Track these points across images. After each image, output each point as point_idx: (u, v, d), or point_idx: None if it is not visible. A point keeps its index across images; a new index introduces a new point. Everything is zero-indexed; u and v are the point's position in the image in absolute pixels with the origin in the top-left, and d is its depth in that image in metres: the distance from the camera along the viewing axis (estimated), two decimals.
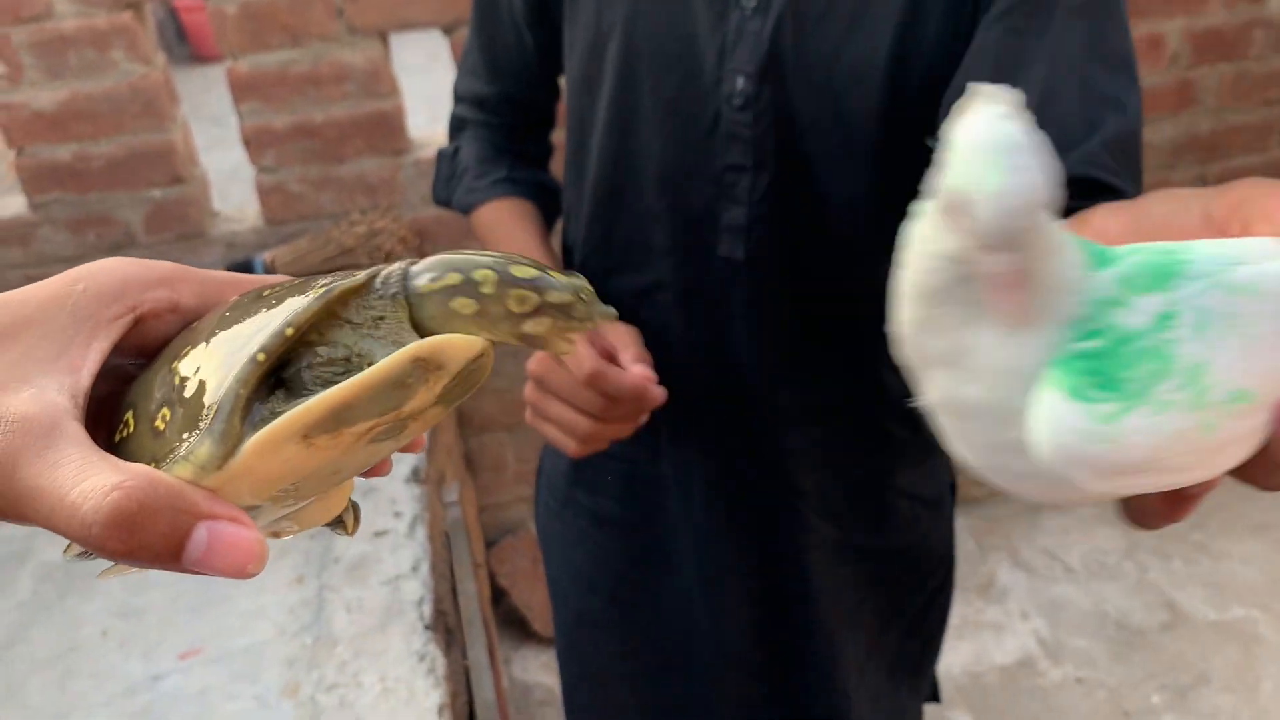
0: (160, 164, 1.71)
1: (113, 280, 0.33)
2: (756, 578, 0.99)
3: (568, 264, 0.96)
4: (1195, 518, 2.27)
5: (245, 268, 1.70)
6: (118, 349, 0.33)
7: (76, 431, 0.29)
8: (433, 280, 0.33)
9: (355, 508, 0.44)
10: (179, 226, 1.76)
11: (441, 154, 1.06)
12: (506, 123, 1.03)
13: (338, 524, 0.43)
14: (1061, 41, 0.75)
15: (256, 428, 0.30)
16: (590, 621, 1.08)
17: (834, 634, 0.99)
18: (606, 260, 0.93)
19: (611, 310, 0.35)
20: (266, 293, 0.34)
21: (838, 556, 0.97)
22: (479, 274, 0.33)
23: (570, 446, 0.80)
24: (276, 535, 0.41)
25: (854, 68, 0.77)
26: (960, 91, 0.77)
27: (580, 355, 0.76)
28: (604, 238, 0.92)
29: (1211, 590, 2.11)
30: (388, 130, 1.75)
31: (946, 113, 0.82)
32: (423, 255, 1.23)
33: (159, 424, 0.31)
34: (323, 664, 1.04)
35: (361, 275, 0.33)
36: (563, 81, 1.02)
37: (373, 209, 1.79)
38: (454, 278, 0.33)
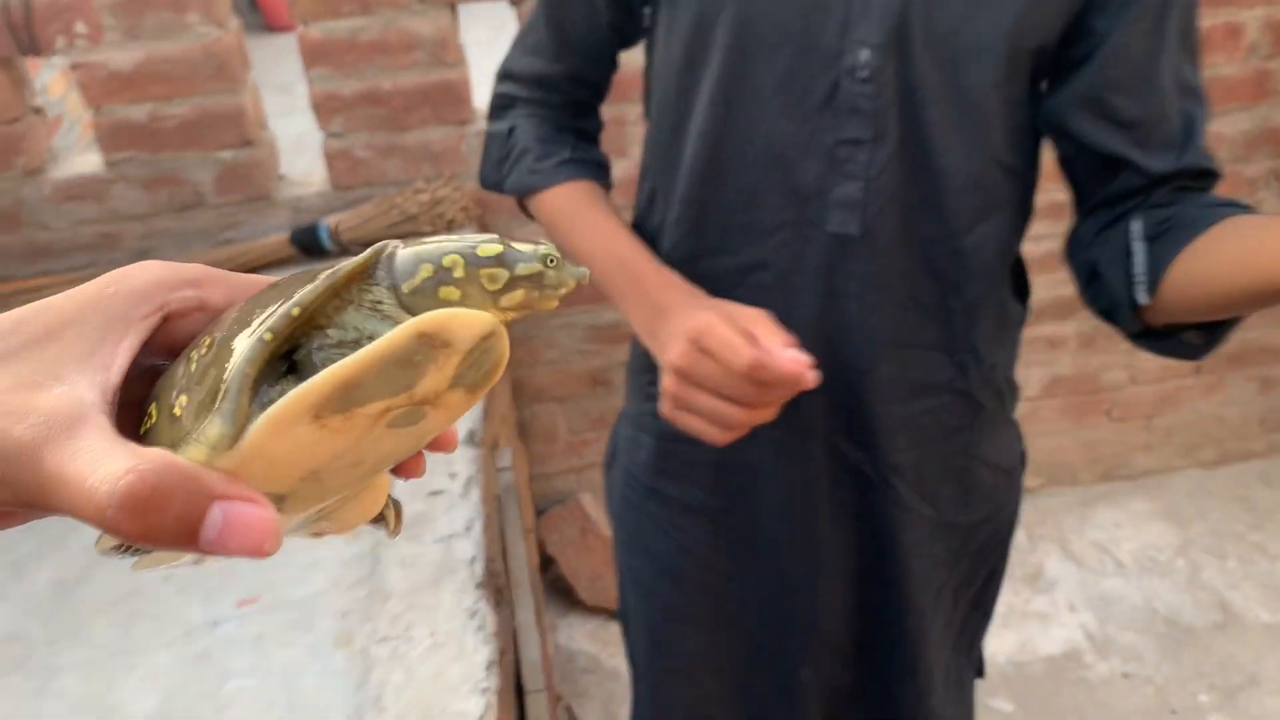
0: (230, 126, 1.75)
1: (143, 282, 0.34)
2: (853, 559, 0.99)
3: (654, 248, 0.95)
4: (1253, 518, 2.23)
5: (311, 232, 1.74)
6: (148, 348, 0.34)
7: (100, 423, 0.30)
8: (411, 278, 0.33)
9: (397, 506, 0.44)
10: (247, 189, 1.80)
11: (492, 134, 1.03)
12: (569, 100, 1.01)
13: (379, 522, 0.43)
14: (1169, 37, 0.77)
15: (266, 408, 0.30)
16: (677, 615, 1.07)
17: (923, 613, 0.99)
18: (700, 242, 0.92)
19: (583, 270, 0.35)
20: (280, 284, 0.34)
21: (930, 534, 0.97)
22: (447, 260, 0.33)
23: (716, 436, 0.79)
24: (318, 536, 0.41)
25: (979, 39, 0.78)
26: (1093, 80, 0.78)
27: (734, 345, 0.74)
28: (699, 219, 0.91)
29: (1268, 592, 2.08)
30: (453, 100, 1.77)
31: (1054, 88, 0.83)
32: (483, 226, 1.24)
33: (176, 411, 0.32)
34: (375, 617, 1.07)
35: (364, 254, 0.34)
36: (622, 57, 1.02)
37: (436, 177, 1.82)
38: (427, 269, 0.33)
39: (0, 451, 0.29)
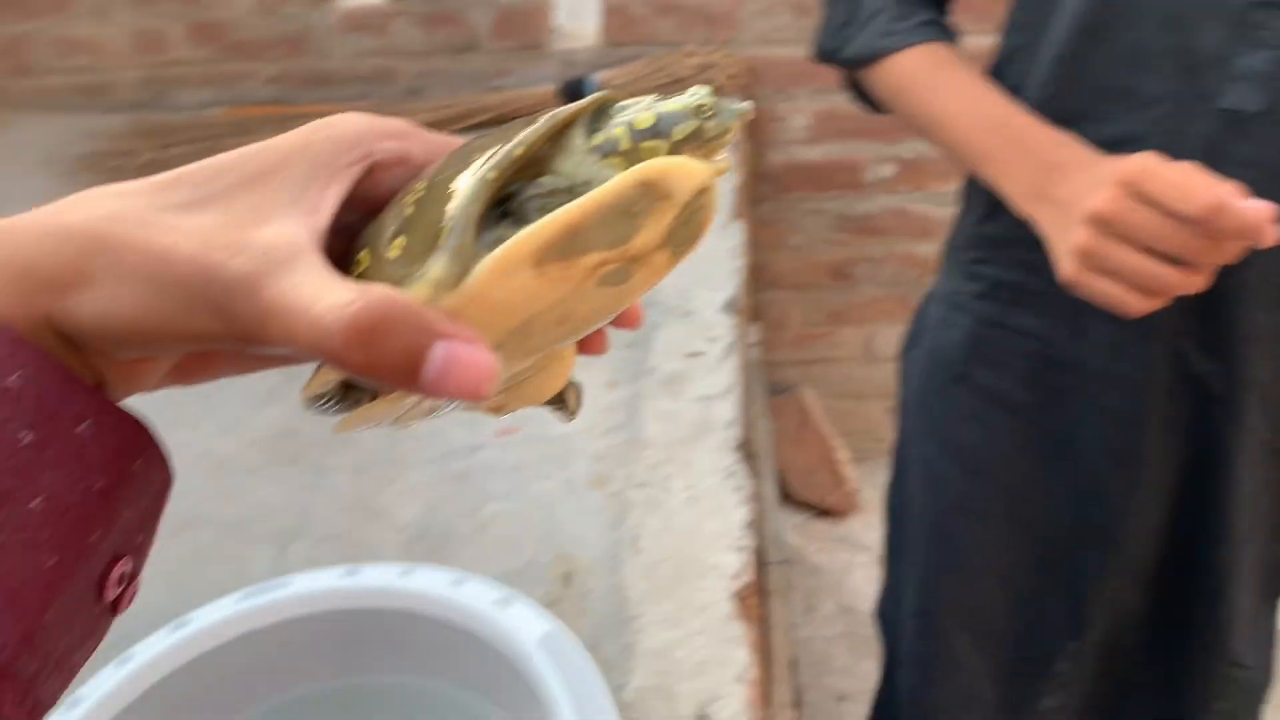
0: None
1: (350, 130, 0.33)
2: (1174, 475, 0.91)
3: None
4: None
5: (579, 86, 1.73)
6: (352, 199, 0.33)
7: (316, 259, 0.29)
8: (599, 138, 0.32)
9: (577, 387, 0.42)
10: (521, 36, 1.80)
11: None
12: None
13: (559, 404, 0.42)
14: None
15: (490, 249, 0.29)
16: (967, 508, 1.02)
17: (1239, 543, 0.92)
18: (1069, 104, 0.83)
19: (744, 105, 0.33)
20: (491, 134, 0.33)
21: (1265, 459, 0.89)
22: (618, 131, 0.32)
23: (1134, 303, 0.70)
24: (497, 412, 0.41)
25: None
26: None
27: (1190, 185, 0.65)
28: (1073, 80, 0.82)
29: None
30: None
31: None
32: (750, 97, 1.19)
33: (392, 253, 0.31)
34: (632, 463, 1.07)
35: (585, 101, 0.33)
36: None
37: (708, 41, 1.77)
38: (598, 137, 0.32)
39: (220, 283, 0.28)
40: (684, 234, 0.32)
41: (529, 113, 1.44)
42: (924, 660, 1.11)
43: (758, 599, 0.96)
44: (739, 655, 0.87)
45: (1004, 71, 0.89)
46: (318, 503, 1.07)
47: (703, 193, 0.31)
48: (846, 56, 0.94)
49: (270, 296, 0.28)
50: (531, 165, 0.32)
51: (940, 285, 1.04)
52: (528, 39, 1.80)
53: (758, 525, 1.05)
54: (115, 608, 0.32)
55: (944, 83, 0.86)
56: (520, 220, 0.30)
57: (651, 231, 0.31)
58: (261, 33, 1.84)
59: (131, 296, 0.28)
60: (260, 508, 1.07)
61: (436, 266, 0.30)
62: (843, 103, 1.82)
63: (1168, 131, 0.78)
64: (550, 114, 0.32)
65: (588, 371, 1.22)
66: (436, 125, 1.75)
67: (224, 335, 0.29)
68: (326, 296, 0.28)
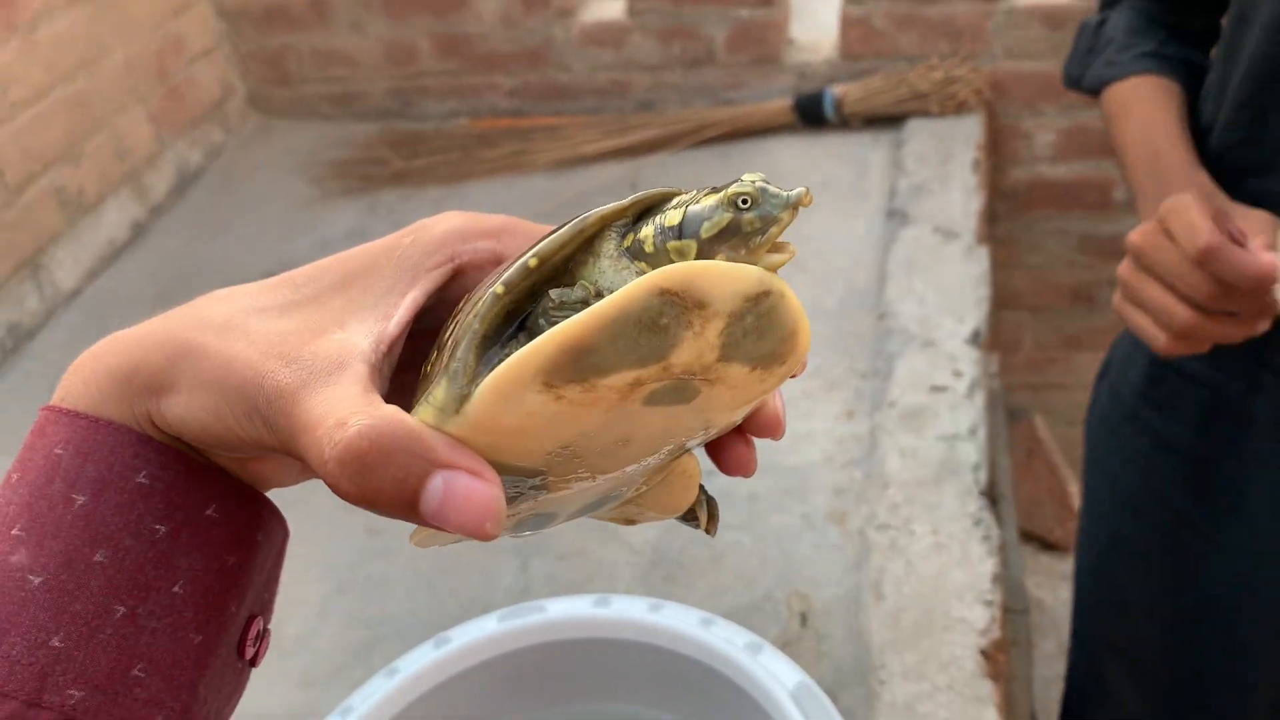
0: None
1: (439, 232, 0.32)
2: None
3: (1200, 150, 0.82)
4: None
5: (815, 100, 1.70)
6: (443, 302, 0.32)
7: (359, 372, 0.28)
8: (630, 242, 0.29)
9: (710, 502, 0.39)
10: (756, 49, 1.79)
11: (1084, 25, 0.95)
12: None
13: (691, 519, 0.38)
14: None
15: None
16: (1126, 548, 0.99)
17: None
18: (1251, 155, 0.78)
19: (796, 193, 0.27)
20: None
21: None
22: (643, 234, 0.28)
23: (1160, 340, 0.69)
24: (630, 522, 0.38)
25: None
26: None
27: (1196, 225, 0.64)
28: (1252, 128, 0.77)
29: None
30: None
31: None
32: (993, 112, 1.14)
33: (427, 368, 0.30)
34: (873, 501, 1.04)
35: (624, 201, 0.29)
36: None
37: (952, 55, 1.71)
38: (628, 239, 0.28)
39: (264, 393, 0.28)
40: (761, 347, 0.28)
41: (761, 128, 1.42)
42: (1078, 688, 1.09)
43: (1004, 655, 0.92)
44: (987, 715, 0.83)
45: (1200, 110, 0.84)
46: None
47: (760, 298, 0.27)
48: (1085, 84, 0.94)
49: (302, 410, 0.27)
50: (572, 270, 0.29)
51: None
52: (763, 52, 1.79)
53: (1004, 576, 1.00)
54: (254, 662, 0.34)
55: (1134, 115, 0.84)
56: (535, 335, 0.27)
57: (697, 346, 0.27)
58: (505, 45, 1.90)
59: (203, 401, 0.29)
60: None
61: (439, 390, 0.28)
62: (1092, 120, 1.74)
63: None
64: (580, 217, 0.28)
65: (823, 399, 1.20)
66: (669, 139, 1.77)
67: (276, 446, 0.29)
68: (335, 415, 0.27)
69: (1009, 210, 1.86)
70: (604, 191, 1.71)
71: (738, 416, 0.31)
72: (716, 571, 1.01)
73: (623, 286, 0.26)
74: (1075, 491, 1.96)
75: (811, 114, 1.71)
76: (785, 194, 0.27)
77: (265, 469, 0.33)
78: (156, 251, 1.78)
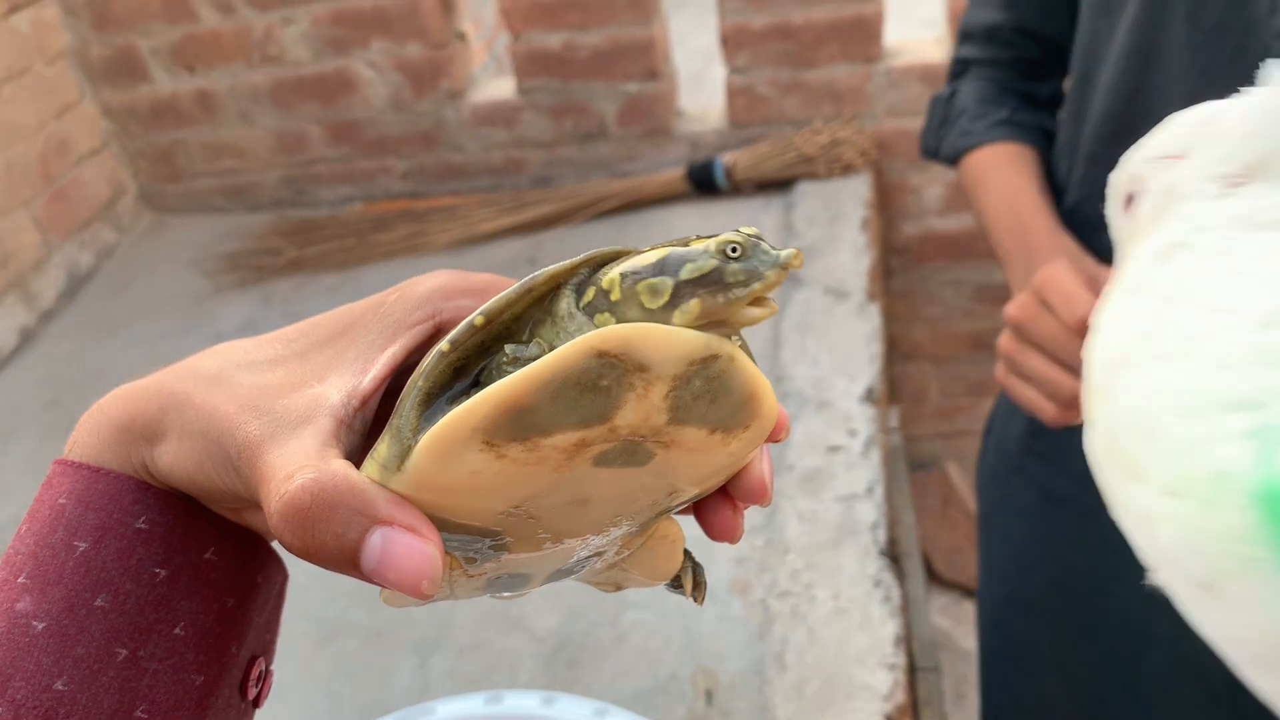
0: (639, 57, 1.75)
1: (423, 290, 0.32)
2: None
3: (1058, 205, 0.85)
4: None
5: (706, 169, 1.72)
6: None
7: (322, 426, 0.28)
8: (581, 297, 0.28)
9: (696, 569, 0.38)
10: (646, 122, 1.81)
11: (936, 99, 0.97)
12: (1018, 57, 0.92)
13: (676, 586, 0.38)
14: None
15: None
16: (1023, 603, 0.99)
17: None
18: (1102, 209, 0.81)
19: (786, 253, 0.27)
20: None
21: None
22: (606, 280, 0.27)
23: (1048, 411, 0.69)
24: (617, 588, 0.38)
25: None
26: None
27: (1073, 296, 0.65)
28: (1102, 183, 0.80)
29: None
30: (864, 35, 1.69)
31: None
32: (880, 171, 1.17)
33: (388, 427, 0.29)
34: (774, 569, 1.04)
35: (572, 261, 0.29)
36: None
37: (835, 118, 1.74)
38: (589, 292, 0.28)
39: (235, 445, 0.29)
40: (715, 411, 0.27)
41: (656, 198, 1.43)
42: None
43: (911, 717, 0.91)
44: None
45: (1054, 169, 0.87)
46: (458, 612, 1.07)
47: (708, 361, 0.26)
48: (942, 155, 0.95)
49: (264, 463, 0.28)
50: (523, 328, 0.29)
51: None
52: (653, 124, 1.81)
53: (907, 635, 1.00)
54: (257, 702, 0.34)
55: (993, 182, 0.85)
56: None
57: (639, 408, 0.26)
58: (396, 129, 1.89)
59: (188, 450, 0.30)
60: (402, 617, 1.07)
61: (382, 446, 0.28)
62: None
63: None
64: (530, 275, 0.28)
65: None
66: (566, 213, 1.77)
67: (249, 497, 0.29)
68: (285, 468, 0.27)
69: (904, 264, 1.89)
70: (504, 268, 1.70)
71: (711, 482, 0.31)
72: (620, 654, 0.99)
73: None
74: None
75: (704, 182, 1.73)
76: (776, 252, 0.27)
77: (256, 520, 0.33)
78: (46, 358, 1.73)
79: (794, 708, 0.88)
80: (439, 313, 0.32)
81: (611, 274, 0.27)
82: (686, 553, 0.37)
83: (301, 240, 1.86)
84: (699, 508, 0.33)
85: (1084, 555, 0.93)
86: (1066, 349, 0.67)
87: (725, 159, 1.73)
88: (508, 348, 0.27)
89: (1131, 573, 0.90)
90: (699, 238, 0.27)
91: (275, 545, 0.35)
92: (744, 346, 0.29)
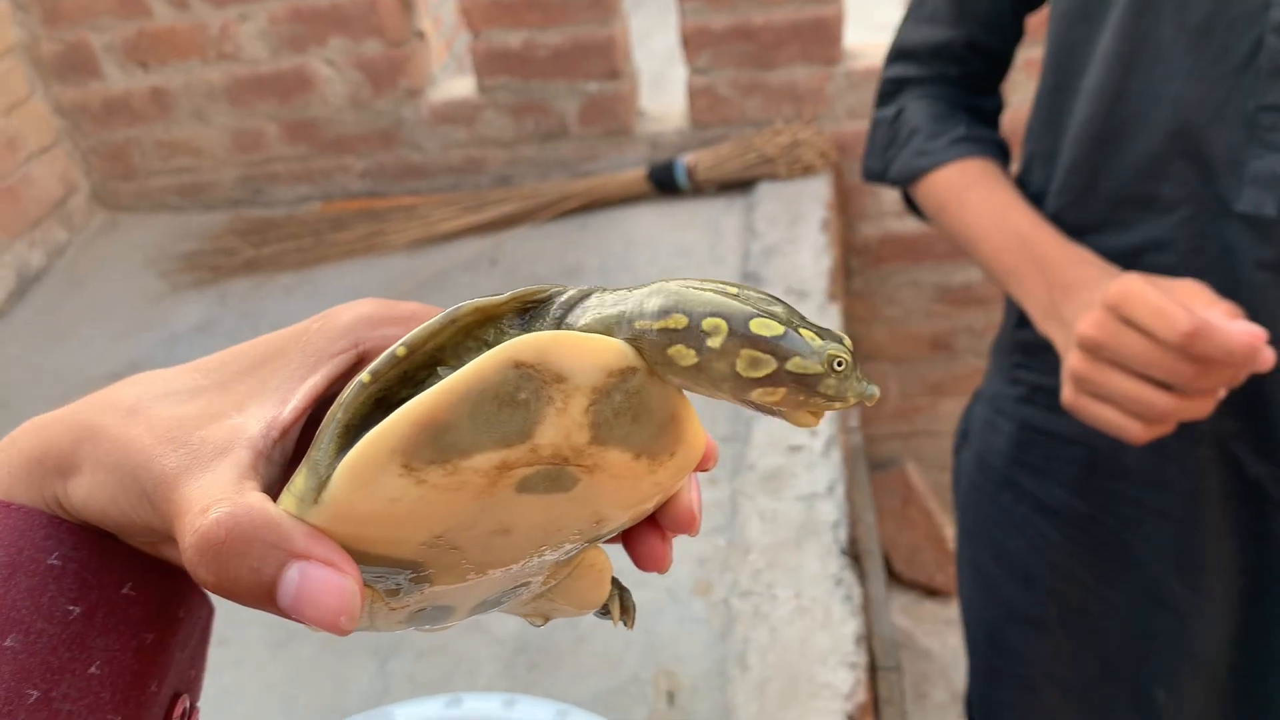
0: (599, 57, 1.75)
1: (346, 319, 0.31)
2: (1240, 581, 0.87)
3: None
4: None
5: (667, 169, 1.72)
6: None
7: (241, 459, 0.28)
8: (657, 317, 0.26)
9: (623, 595, 0.38)
10: (607, 122, 1.81)
11: (878, 120, 0.95)
12: (967, 72, 0.91)
13: (604, 613, 0.38)
14: None
15: None
16: (1021, 618, 0.98)
17: None
18: (1086, 214, 0.81)
19: (873, 390, 0.27)
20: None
21: None
22: (709, 322, 0.26)
23: (1133, 430, 0.67)
24: (543, 619, 0.37)
25: None
26: None
27: (1168, 311, 0.63)
28: (1087, 189, 0.80)
29: None
30: (824, 37, 1.69)
31: None
32: (840, 172, 1.16)
33: (305, 459, 0.28)
34: (736, 568, 1.04)
35: (506, 295, 0.28)
36: (1028, 21, 0.91)
37: (795, 119, 1.75)
38: (679, 319, 0.26)
39: (150, 477, 0.28)
40: (638, 432, 0.27)
41: (618, 198, 1.43)
42: None
43: (873, 716, 0.92)
44: None
45: (1026, 180, 0.87)
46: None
47: (626, 373, 0.26)
48: (890, 178, 0.93)
49: (179, 496, 0.27)
50: (450, 358, 0.28)
51: (986, 386, 1.00)
52: (615, 124, 1.80)
53: (868, 634, 1.00)
54: None
55: (972, 201, 0.84)
56: None
57: (561, 425, 0.26)
58: (354, 128, 1.88)
59: (102, 483, 0.29)
60: None
61: (299, 478, 0.27)
62: None
63: (1191, 236, 0.74)
64: (454, 307, 0.28)
65: None
66: (527, 213, 1.76)
67: (165, 531, 0.28)
68: (199, 503, 0.26)
69: (863, 265, 1.90)
70: (465, 268, 1.69)
71: (638, 510, 0.30)
72: (581, 656, 0.98)
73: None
74: (951, 536, 1.99)
75: (665, 183, 1.73)
76: (865, 385, 0.27)
77: (175, 554, 0.32)
78: None
79: (756, 708, 0.88)
80: (362, 342, 0.31)
81: (715, 320, 0.26)
82: (614, 579, 0.37)
83: (258, 240, 1.84)
84: (626, 537, 0.32)
85: (1082, 563, 0.92)
86: (1159, 365, 0.65)
87: (687, 159, 1.73)
88: (440, 370, 0.27)
89: (1129, 577, 0.90)
90: (795, 315, 0.27)
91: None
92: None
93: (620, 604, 0.38)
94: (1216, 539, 0.86)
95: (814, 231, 1.56)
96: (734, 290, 0.27)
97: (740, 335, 0.26)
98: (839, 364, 0.26)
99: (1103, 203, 0.80)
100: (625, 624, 0.38)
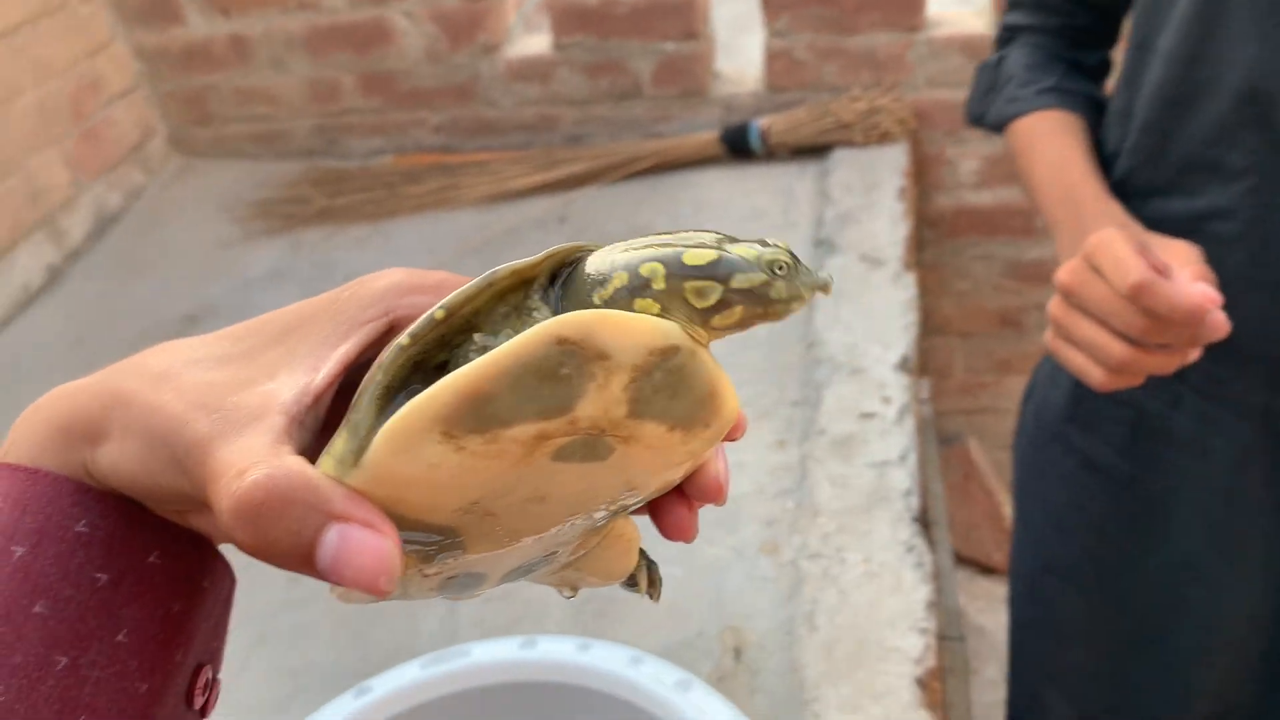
0: (677, 17, 1.74)
1: (377, 287, 0.31)
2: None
3: (1108, 174, 0.84)
4: None
5: (741, 132, 1.71)
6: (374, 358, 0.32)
7: (276, 424, 0.28)
8: (601, 286, 0.28)
9: (651, 568, 0.38)
10: (682, 83, 1.80)
11: (983, 66, 0.96)
12: (1067, 25, 0.91)
13: (632, 584, 0.38)
14: None
15: None
16: (1058, 570, 0.99)
17: None
18: (1155, 177, 0.80)
19: (824, 277, 0.28)
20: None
21: None
22: (645, 268, 0.27)
23: (1096, 376, 0.69)
24: (572, 588, 0.38)
25: None
26: None
27: (1125, 262, 0.64)
28: (1157, 152, 0.80)
29: None
30: (906, 4, 1.67)
31: None
32: (917, 141, 1.15)
33: (344, 421, 0.29)
34: (805, 531, 1.03)
35: (538, 256, 0.29)
36: None
37: (874, 86, 1.73)
38: (621, 277, 0.27)
39: (183, 443, 0.28)
40: (676, 406, 0.27)
41: (689, 160, 1.43)
42: (1018, 716, 1.09)
43: (940, 682, 0.91)
44: None
45: (1104, 138, 0.86)
46: None
47: (668, 352, 0.27)
48: (988, 123, 0.95)
49: (213, 460, 0.27)
50: (483, 324, 0.29)
51: None
52: (689, 85, 1.79)
53: (938, 603, 1.00)
54: (204, 711, 0.33)
55: (1041, 150, 0.85)
56: None
57: (600, 399, 0.26)
58: (430, 81, 1.88)
59: (131, 449, 0.29)
60: None
61: (339, 441, 0.27)
62: None
63: (1254, 206, 0.74)
64: (491, 270, 0.28)
65: (755, 430, 1.19)
66: (598, 172, 1.76)
67: (196, 496, 0.28)
68: (236, 466, 0.26)
69: (935, 237, 1.88)
70: (535, 225, 1.70)
71: (668, 479, 0.31)
72: (648, 608, 0.99)
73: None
74: (1009, 515, 1.97)
75: (738, 146, 1.72)
76: (817, 274, 0.28)
77: (202, 522, 0.32)
78: (73, 296, 1.73)
79: (824, 667, 0.88)
80: (393, 310, 0.31)
81: (651, 265, 0.27)
82: (641, 551, 0.37)
83: (331, 190, 1.85)
84: (654, 507, 0.33)
85: (1120, 524, 0.93)
86: (1117, 315, 0.66)
87: (761, 122, 1.71)
88: (477, 336, 0.28)
89: (1166, 543, 0.90)
90: (724, 238, 0.28)
91: (223, 550, 0.34)
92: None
93: (648, 576, 0.38)
94: (1256, 514, 0.86)
95: (890, 199, 1.54)
96: (663, 239, 0.28)
97: (677, 273, 0.27)
98: (780, 267, 0.27)
99: (1171, 167, 0.80)
100: (651, 597, 0.39)
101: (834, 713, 0.84)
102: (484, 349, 0.27)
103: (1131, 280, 0.64)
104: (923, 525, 1.04)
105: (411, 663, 0.77)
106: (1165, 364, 0.68)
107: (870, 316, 1.31)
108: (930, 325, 1.99)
